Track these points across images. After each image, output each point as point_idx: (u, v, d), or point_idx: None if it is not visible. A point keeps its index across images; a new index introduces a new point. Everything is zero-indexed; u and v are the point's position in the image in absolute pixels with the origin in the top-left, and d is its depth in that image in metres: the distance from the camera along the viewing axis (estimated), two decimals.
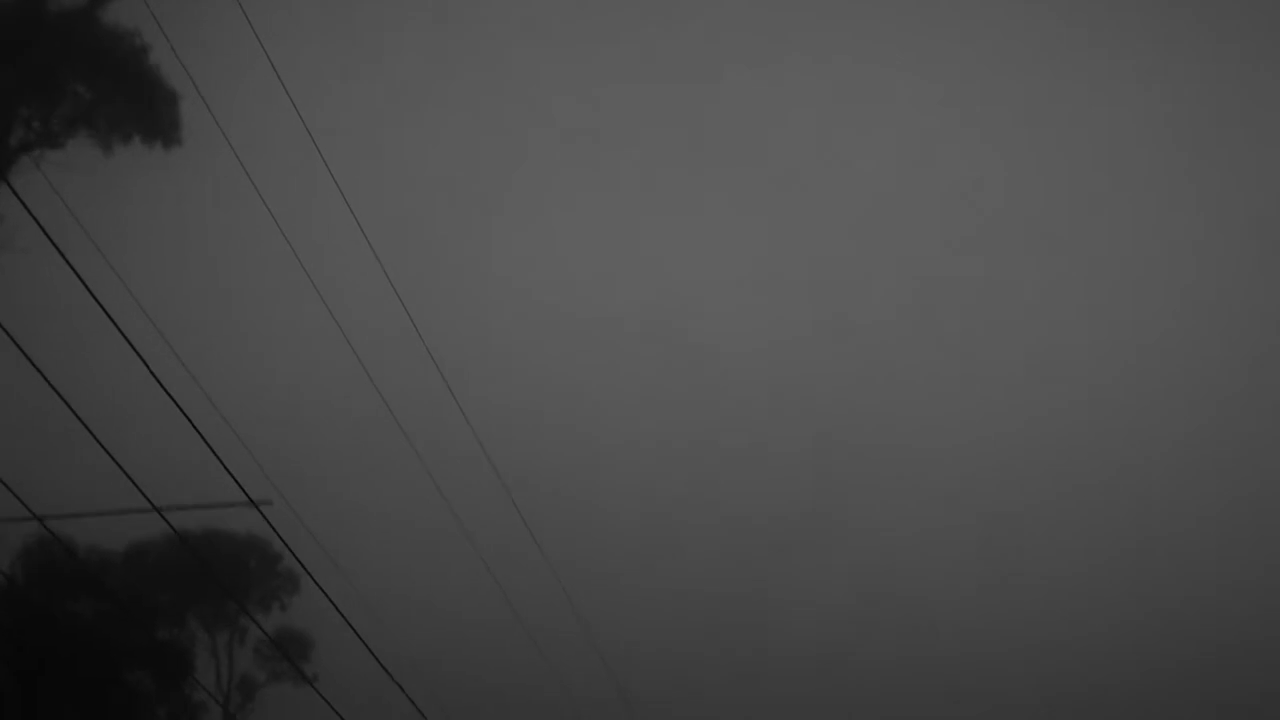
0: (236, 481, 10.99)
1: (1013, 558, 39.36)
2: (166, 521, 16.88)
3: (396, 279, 19.69)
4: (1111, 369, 43.84)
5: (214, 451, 10.47)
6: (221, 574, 28.22)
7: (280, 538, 17.88)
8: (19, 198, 11.44)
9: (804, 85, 46.49)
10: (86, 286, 9.61)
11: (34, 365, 9.58)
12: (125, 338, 9.79)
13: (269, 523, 17.13)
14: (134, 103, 23.52)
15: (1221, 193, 45.67)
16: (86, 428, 10.00)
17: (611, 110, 45.51)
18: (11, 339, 9.56)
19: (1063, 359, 44.95)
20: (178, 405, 10.44)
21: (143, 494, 10.73)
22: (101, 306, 9.73)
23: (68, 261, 9.60)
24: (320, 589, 18.19)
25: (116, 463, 10.17)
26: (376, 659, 19.14)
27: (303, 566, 17.83)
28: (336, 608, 18.13)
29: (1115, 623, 37.87)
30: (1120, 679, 36.60)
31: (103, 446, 10.01)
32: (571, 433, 38.62)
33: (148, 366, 10.01)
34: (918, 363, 44.43)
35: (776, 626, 38.02)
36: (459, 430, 22.98)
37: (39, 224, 9.56)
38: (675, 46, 45.77)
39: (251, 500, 12.21)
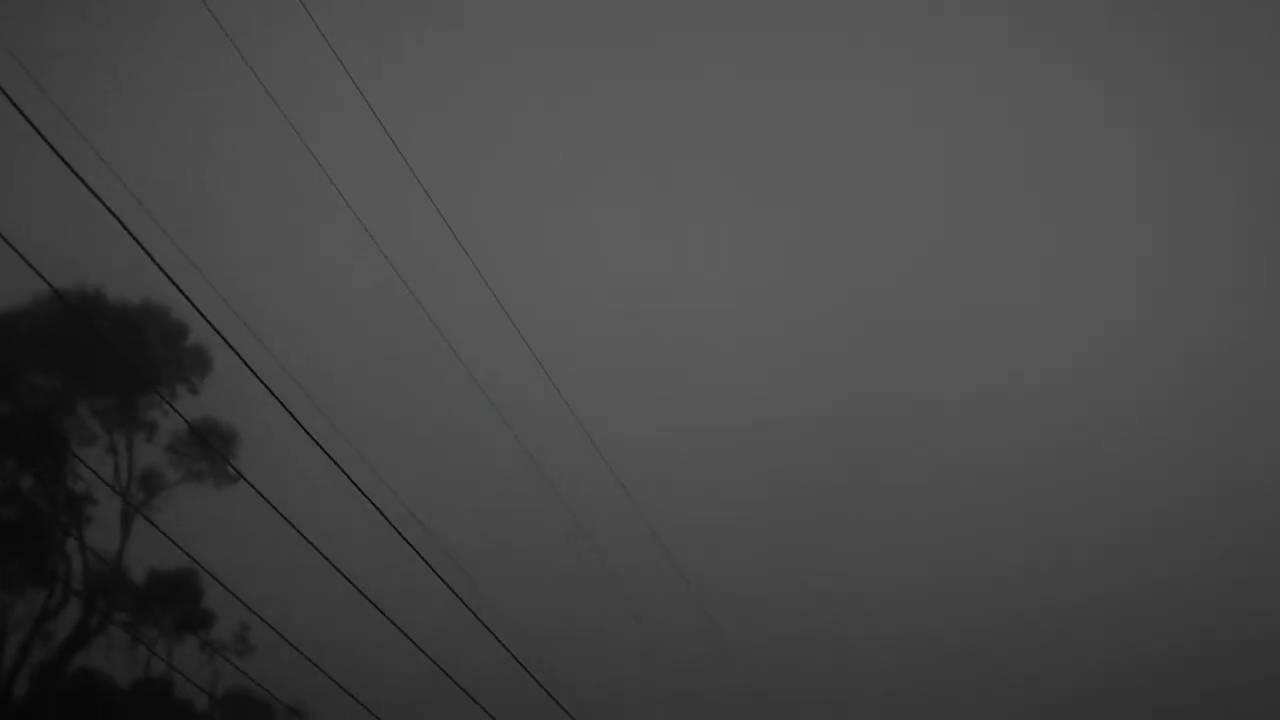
0: None
1: (1013, 559, 39.01)
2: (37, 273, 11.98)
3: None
4: (1111, 367, 42.95)
5: None
6: (115, 348, 22.83)
7: (185, 295, 13.55)
8: None
9: (817, 84, 43.46)
10: None
11: None
12: None
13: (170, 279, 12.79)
14: None
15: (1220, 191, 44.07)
16: None
17: (618, 110, 42.34)
18: None
19: (1062, 355, 44.10)
20: None
21: None
22: None
23: None
24: (239, 355, 14.30)
25: None
26: (314, 439, 15.21)
27: (219, 333, 13.59)
28: (262, 381, 14.41)
29: (1112, 609, 37.77)
30: (1121, 664, 36.56)
31: None
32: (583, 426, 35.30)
33: None
34: (928, 359, 43.10)
35: (778, 619, 36.79)
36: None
37: None
38: (681, 46, 42.48)
39: None
